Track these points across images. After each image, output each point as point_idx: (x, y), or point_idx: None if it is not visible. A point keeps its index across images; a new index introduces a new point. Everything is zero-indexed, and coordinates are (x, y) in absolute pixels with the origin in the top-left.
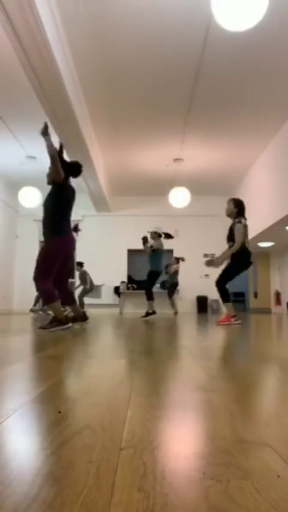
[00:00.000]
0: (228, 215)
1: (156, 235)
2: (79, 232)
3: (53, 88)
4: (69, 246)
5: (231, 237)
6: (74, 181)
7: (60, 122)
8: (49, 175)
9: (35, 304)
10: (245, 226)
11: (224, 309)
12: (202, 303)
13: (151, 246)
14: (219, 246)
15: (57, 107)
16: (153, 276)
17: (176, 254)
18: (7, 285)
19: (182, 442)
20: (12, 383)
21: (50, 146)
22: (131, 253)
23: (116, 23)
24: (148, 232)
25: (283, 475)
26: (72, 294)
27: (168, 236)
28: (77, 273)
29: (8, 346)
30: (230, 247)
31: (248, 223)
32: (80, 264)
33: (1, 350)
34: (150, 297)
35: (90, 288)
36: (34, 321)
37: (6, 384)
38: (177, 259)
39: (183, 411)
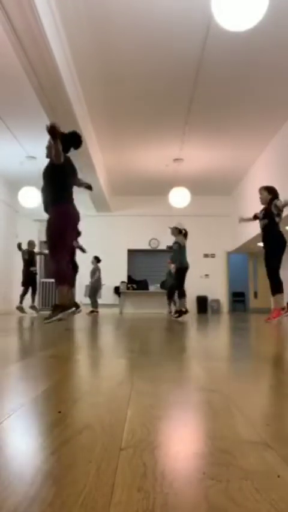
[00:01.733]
0: (264, 203)
1: (177, 230)
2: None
3: (53, 88)
4: (74, 215)
5: (266, 216)
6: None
7: (60, 122)
8: (48, 148)
9: (20, 302)
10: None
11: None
12: (202, 303)
13: (175, 242)
14: (219, 246)
15: (57, 107)
16: (182, 272)
17: None
18: (7, 285)
19: (182, 442)
20: (12, 383)
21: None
22: (131, 253)
23: (116, 23)
24: (169, 228)
25: (283, 475)
26: (72, 275)
27: (185, 235)
28: (91, 267)
29: (8, 346)
30: (265, 225)
31: (249, 223)
32: (97, 259)
33: (1, 349)
34: (182, 294)
35: (96, 286)
36: (28, 321)
37: (6, 384)
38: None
39: (183, 411)
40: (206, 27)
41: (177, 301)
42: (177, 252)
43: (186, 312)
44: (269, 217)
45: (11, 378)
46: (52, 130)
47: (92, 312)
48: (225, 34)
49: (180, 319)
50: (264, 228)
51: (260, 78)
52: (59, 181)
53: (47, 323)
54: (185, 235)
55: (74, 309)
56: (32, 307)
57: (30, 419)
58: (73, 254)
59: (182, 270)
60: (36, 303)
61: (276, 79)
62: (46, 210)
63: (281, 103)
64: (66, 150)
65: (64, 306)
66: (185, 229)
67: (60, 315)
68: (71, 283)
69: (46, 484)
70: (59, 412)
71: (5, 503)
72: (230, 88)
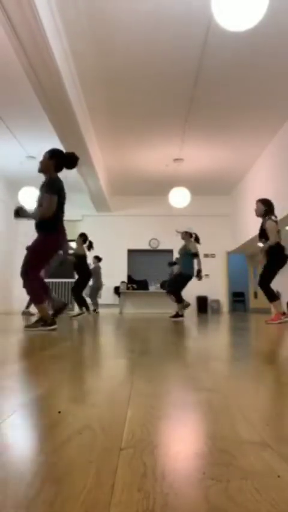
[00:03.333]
0: (259, 215)
1: (188, 235)
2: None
3: (53, 88)
4: (59, 243)
5: (262, 235)
6: (74, 181)
7: (60, 122)
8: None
9: (27, 307)
10: (276, 223)
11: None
12: (202, 304)
13: (189, 251)
14: (219, 246)
15: (57, 107)
16: (186, 279)
17: (175, 254)
18: (7, 285)
19: (182, 442)
20: (12, 383)
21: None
22: (131, 253)
23: (116, 23)
24: (178, 232)
25: (283, 475)
26: (48, 290)
27: (197, 240)
28: (91, 266)
29: (8, 346)
30: (263, 243)
31: (248, 223)
32: (98, 258)
33: (1, 349)
34: (180, 299)
35: (98, 286)
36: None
37: (6, 384)
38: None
39: (183, 411)
40: (206, 27)
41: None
42: (188, 259)
43: (182, 316)
44: (265, 236)
45: (11, 378)
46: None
47: (94, 310)
48: (225, 34)
49: (174, 320)
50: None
51: (260, 78)
52: (54, 219)
53: (27, 329)
54: (197, 239)
55: (55, 326)
56: (26, 313)
57: (30, 419)
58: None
59: (188, 277)
60: (30, 308)
61: (276, 79)
62: (37, 231)
63: (281, 103)
64: (59, 169)
65: (46, 321)
66: (195, 234)
67: (38, 329)
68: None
69: (46, 484)
70: (59, 412)
71: (5, 502)
72: (230, 87)
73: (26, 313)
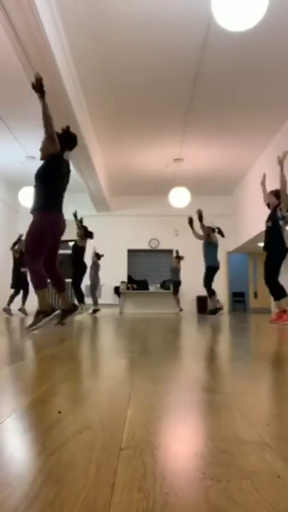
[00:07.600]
0: (272, 207)
1: (210, 229)
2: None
3: (53, 88)
4: (58, 224)
5: (270, 218)
6: (74, 181)
7: (60, 122)
8: (42, 149)
9: (8, 304)
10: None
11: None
12: (202, 303)
13: (213, 242)
14: (220, 246)
15: (57, 107)
16: (213, 271)
17: (175, 254)
18: (7, 285)
19: (182, 442)
20: (12, 383)
21: (46, 114)
22: (131, 253)
23: (116, 23)
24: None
25: (283, 475)
26: (62, 279)
27: (220, 233)
28: (90, 262)
29: (8, 346)
30: (269, 227)
31: (248, 223)
32: (98, 256)
33: (1, 349)
34: (212, 292)
35: (95, 282)
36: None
37: (6, 384)
38: (178, 258)
39: (183, 411)
40: (206, 27)
41: (179, 301)
42: (210, 251)
43: (221, 308)
44: (272, 220)
45: (11, 378)
46: (38, 83)
47: (95, 311)
48: (225, 34)
49: (216, 315)
50: (267, 231)
51: (260, 78)
52: (51, 186)
53: (32, 330)
54: (220, 232)
55: (57, 312)
56: (21, 309)
57: (31, 419)
58: (56, 255)
59: (214, 268)
60: (26, 306)
61: (276, 79)
62: (32, 212)
63: (281, 103)
64: (61, 151)
65: (46, 311)
66: (218, 228)
67: (42, 322)
68: (62, 287)
69: (46, 484)
70: (59, 412)
71: (5, 503)
72: (230, 87)
73: (23, 311)
